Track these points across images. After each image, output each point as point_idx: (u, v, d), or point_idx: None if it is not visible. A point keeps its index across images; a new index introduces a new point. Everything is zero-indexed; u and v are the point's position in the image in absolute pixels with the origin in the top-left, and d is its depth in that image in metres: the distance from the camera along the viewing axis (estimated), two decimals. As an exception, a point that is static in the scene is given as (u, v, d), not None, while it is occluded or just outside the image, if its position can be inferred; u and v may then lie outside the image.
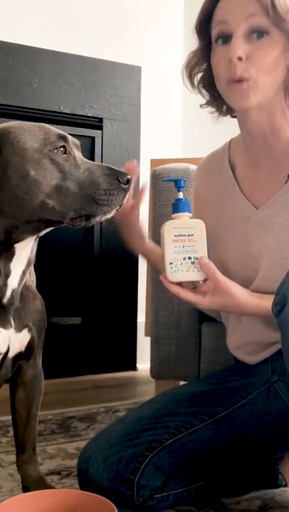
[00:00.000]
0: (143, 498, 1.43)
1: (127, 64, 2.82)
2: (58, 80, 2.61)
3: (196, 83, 1.50)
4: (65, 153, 1.29)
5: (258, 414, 1.45)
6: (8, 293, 1.37)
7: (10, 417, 2.07)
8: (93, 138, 2.67)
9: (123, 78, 2.80)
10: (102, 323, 2.82)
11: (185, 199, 1.39)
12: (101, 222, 2.75)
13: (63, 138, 1.30)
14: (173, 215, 1.39)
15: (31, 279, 1.46)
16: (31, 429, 1.53)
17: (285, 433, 1.46)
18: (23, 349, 1.45)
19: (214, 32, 1.40)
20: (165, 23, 3.17)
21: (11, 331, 1.39)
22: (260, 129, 1.44)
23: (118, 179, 1.29)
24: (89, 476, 1.44)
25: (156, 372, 2.09)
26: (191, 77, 1.50)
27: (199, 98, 1.53)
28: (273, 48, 1.34)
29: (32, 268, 1.45)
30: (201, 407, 1.49)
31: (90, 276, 2.82)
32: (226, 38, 1.37)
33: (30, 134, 1.28)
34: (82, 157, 1.34)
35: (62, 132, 1.32)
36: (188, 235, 1.36)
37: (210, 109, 1.54)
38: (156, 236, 2.05)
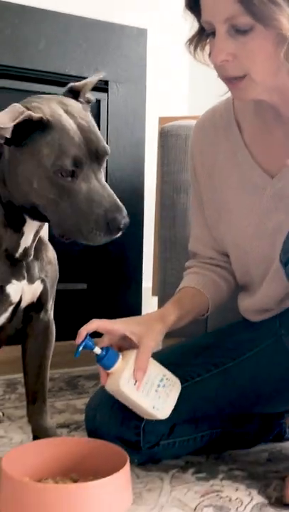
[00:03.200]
0: (149, 443, 1.46)
1: (133, 26, 2.80)
2: (64, 42, 2.60)
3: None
4: (72, 176, 1.25)
5: (264, 366, 1.47)
6: (21, 249, 1.40)
7: (18, 375, 2.13)
8: (99, 101, 2.67)
9: (129, 41, 2.78)
10: (108, 288, 2.84)
11: (104, 350, 1.31)
12: (107, 179, 2.75)
13: (78, 164, 1.24)
14: (108, 371, 1.32)
15: (43, 230, 1.47)
16: (42, 381, 1.56)
17: (290, 386, 1.48)
18: (34, 300, 1.48)
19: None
20: (171, -16, 3.15)
21: (24, 282, 1.43)
22: (270, 102, 1.37)
23: (107, 224, 1.24)
24: (96, 423, 1.47)
25: (163, 330, 2.11)
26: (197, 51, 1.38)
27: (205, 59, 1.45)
28: (262, 40, 1.23)
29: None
30: (208, 358, 1.51)
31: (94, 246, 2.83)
32: (214, 34, 1.26)
33: (53, 145, 1.24)
34: (94, 181, 1.27)
35: (79, 156, 1.25)
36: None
37: None
38: (164, 193, 2.07)
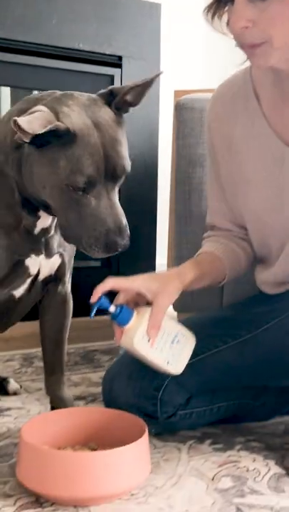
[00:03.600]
0: (166, 414, 1.47)
1: (146, 1, 2.78)
2: (76, 17, 2.59)
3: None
4: (83, 191, 1.24)
5: (281, 339, 1.45)
6: (38, 229, 1.42)
7: (34, 350, 2.15)
8: (112, 76, 2.66)
9: (142, 15, 2.76)
10: (121, 265, 2.84)
11: (119, 307, 1.29)
12: None
13: (90, 183, 1.24)
14: (123, 329, 1.31)
15: None
16: (60, 352, 1.58)
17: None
18: (52, 273, 1.50)
19: None
20: None
21: (42, 257, 1.45)
22: None
23: (106, 244, 1.26)
24: (113, 393, 1.49)
25: (179, 304, 2.10)
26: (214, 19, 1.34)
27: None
28: (282, 6, 1.20)
29: None
30: (225, 330, 1.51)
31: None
32: (233, 1, 1.24)
33: (72, 159, 1.23)
34: (104, 199, 1.27)
35: (94, 176, 1.24)
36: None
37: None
38: (180, 167, 2.06)
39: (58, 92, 1.32)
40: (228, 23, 1.29)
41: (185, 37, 3.09)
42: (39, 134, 1.17)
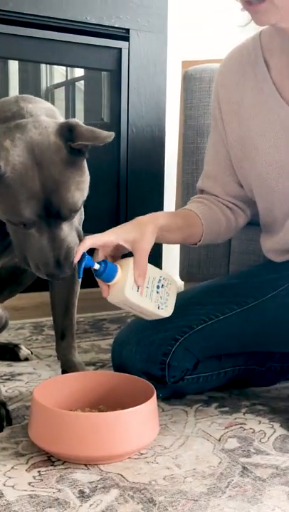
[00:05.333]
0: (174, 378, 1.50)
1: (154, -27, 2.78)
2: (84, -11, 2.60)
3: None
4: (24, 226, 1.23)
5: (287, 306, 1.48)
6: None
7: (44, 319, 2.19)
8: (120, 49, 2.66)
9: (150, -12, 2.76)
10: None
11: (102, 263, 1.30)
12: (128, 137, 2.72)
13: (29, 224, 1.22)
14: (109, 284, 1.32)
15: None
16: (70, 317, 1.60)
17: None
18: None
19: None
20: None
21: None
22: None
23: (47, 274, 1.27)
24: (122, 358, 1.52)
25: (186, 274, 2.15)
26: None
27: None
28: None
29: None
30: (232, 297, 1.53)
31: (116, 197, 2.85)
32: None
33: (10, 195, 1.20)
34: (48, 233, 1.24)
35: (31, 219, 1.21)
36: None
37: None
38: (187, 137, 2.06)
39: (21, 113, 1.28)
40: None
41: (192, 8, 3.07)
42: None
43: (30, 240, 1.25)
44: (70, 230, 1.27)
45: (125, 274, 1.32)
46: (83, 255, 1.28)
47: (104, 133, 1.25)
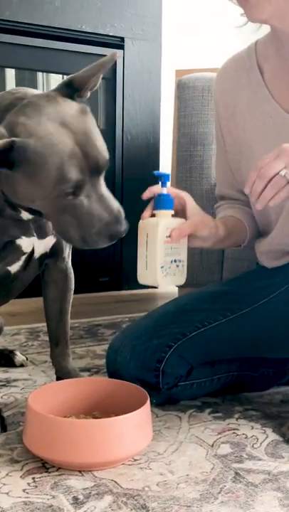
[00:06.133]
0: (168, 385, 1.51)
1: (148, -18, 2.80)
2: (80, -2, 2.62)
3: None
4: (73, 194, 1.22)
5: (279, 312, 1.50)
6: (25, 217, 1.38)
7: (39, 325, 2.20)
8: (115, 57, 2.69)
9: (144, -3, 2.78)
10: (124, 244, 2.88)
11: (169, 195, 1.35)
12: (123, 145, 2.74)
13: (79, 186, 1.21)
14: (159, 212, 1.34)
15: None
16: (64, 324, 1.61)
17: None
18: (47, 250, 1.50)
19: None
20: None
21: (34, 238, 1.44)
22: (287, 34, 1.40)
23: (109, 236, 1.27)
24: (117, 365, 1.53)
25: (180, 280, 2.16)
26: None
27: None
28: None
29: None
30: (225, 304, 1.55)
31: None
32: None
33: (50, 169, 1.17)
34: (96, 194, 1.25)
35: (80, 178, 1.20)
36: None
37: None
38: (181, 145, 2.09)
39: (18, 96, 1.26)
40: None
41: (186, 17, 3.10)
42: (1, 157, 1.15)
43: (81, 211, 1.24)
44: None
45: (172, 218, 1.37)
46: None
47: (106, 57, 1.26)
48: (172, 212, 1.37)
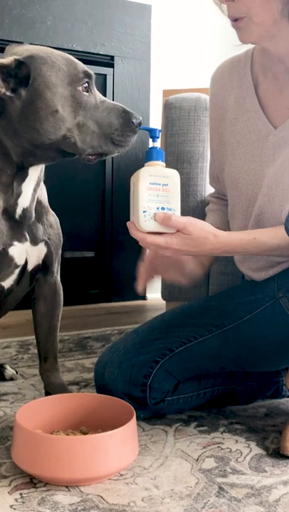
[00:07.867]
0: (155, 400, 1.54)
1: (138, 2, 2.85)
2: (70, 17, 2.65)
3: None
4: (87, 91, 1.35)
5: (263, 328, 1.51)
6: (19, 210, 1.45)
7: (29, 337, 2.22)
8: (105, 75, 2.72)
9: (133, 17, 2.83)
10: (113, 256, 2.90)
11: (159, 148, 1.36)
12: (112, 159, 2.78)
13: (89, 76, 1.36)
14: (147, 163, 1.35)
15: (42, 193, 1.53)
16: (53, 339, 1.64)
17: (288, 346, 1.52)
18: (40, 262, 1.53)
19: None
20: None
21: (27, 244, 1.47)
22: (278, 56, 1.43)
23: (132, 122, 1.37)
24: (105, 380, 1.55)
25: (167, 294, 2.18)
26: None
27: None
28: None
29: (42, 183, 1.52)
30: (210, 320, 1.56)
31: (101, 213, 2.89)
32: None
33: (60, 67, 1.32)
34: (99, 94, 1.39)
35: (87, 69, 1.37)
36: (163, 185, 1.32)
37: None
38: (168, 164, 2.11)
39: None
40: None
41: (174, 38, 3.13)
42: (12, 80, 1.29)
43: (100, 109, 1.36)
44: None
45: (153, 168, 1.33)
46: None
47: None
48: (161, 163, 1.35)
